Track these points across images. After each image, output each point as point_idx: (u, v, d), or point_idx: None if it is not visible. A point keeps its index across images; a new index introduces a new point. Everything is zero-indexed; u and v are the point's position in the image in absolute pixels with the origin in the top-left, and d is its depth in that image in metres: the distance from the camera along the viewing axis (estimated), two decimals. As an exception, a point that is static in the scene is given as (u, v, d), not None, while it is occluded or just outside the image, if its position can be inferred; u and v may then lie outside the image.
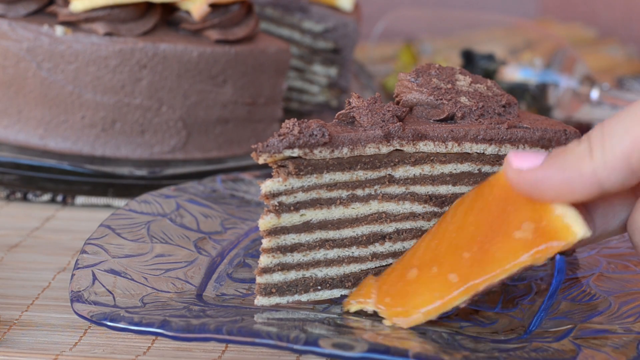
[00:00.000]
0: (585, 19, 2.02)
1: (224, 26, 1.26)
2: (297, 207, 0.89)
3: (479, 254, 0.85)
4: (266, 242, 0.89)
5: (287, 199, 0.88)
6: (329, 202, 0.90)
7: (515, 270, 0.84)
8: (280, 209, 0.88)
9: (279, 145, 0.86)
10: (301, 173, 0.88)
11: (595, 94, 1.49)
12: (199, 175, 1.23)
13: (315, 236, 0.90)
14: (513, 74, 1.54)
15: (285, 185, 0.88)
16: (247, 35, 1.27)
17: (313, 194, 0.89)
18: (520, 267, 0.84)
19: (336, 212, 0.90)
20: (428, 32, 1.70)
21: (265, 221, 0.88)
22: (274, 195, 0.88)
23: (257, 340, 0.79)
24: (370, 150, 0.89)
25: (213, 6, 1.25)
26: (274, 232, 0.89)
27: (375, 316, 0.88)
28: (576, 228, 0.80)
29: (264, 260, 0.89)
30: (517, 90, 1.51)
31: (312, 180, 0.88)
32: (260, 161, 0.87)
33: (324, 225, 0.90)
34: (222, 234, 1.05)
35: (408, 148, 0.91)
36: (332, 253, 0.91)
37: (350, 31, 1.42)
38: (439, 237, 0.90)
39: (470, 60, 1.56)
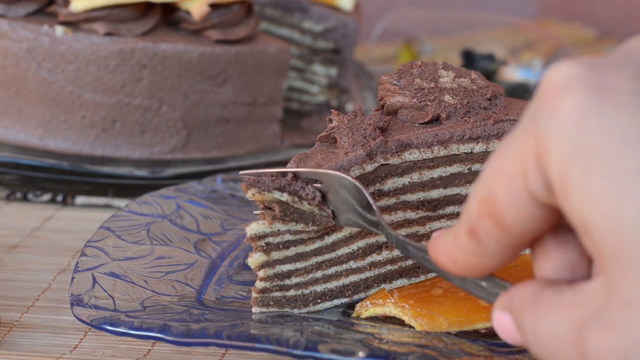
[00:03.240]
0: (585, 19, 2.02)
1: (224, 26, 1.26)
2: (286, 245, 0.87)
3: None
4: (262, 273, 0.88)
5: (274, 240, 0.87)
6: (321, 234, 0.89)
7: None
8: (269, 248, 0.87)
9: (270, 184, 0.84)
10: (287, 219, 0.86)
11: (595, 94, 1.48)
12: (199, 175, 1.22)
13: (311, 262, 0.89)
14: (513, 74, 1.54)
15: (272, 228, 0.86)
16: (247, 35, 1.27)
17: (302, 235, 0.88)
18: None
19: (329, 239, 0.89)
20: (428, 32, 1.70)
21: (255, 259, 0.87)
22: (259, 237, 0.87)
23: (257, 345, 0.79)
24: (355, 172, 0.87)
25: (213, 6, 1.25)
26: (267, 265, 0.88)
27: (378, 321, 0.88)
28: None
29: (261, 285, 0.88)
30: (517, 90, 1.51)
31: (298, 226, 0.87)
32: (248, 195, 0.84)
33: (318, 251, 0.89)
34: (222, 235, 1.04)
35: (393, 160, 0.89)
36: (330, 270, 0.90)
37: (350, 31, 1.42)
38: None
39: (470, 60, 1.56)
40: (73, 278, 0.90)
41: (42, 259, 1.07)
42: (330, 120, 0.90)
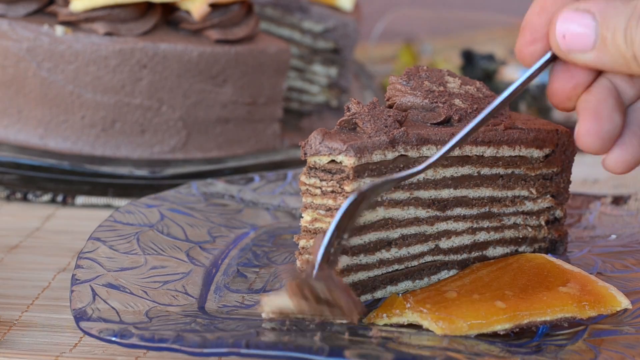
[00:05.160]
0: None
1: (224, 26, 1.26)
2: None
3: (524, 295, 0.87)
4: None
5: None
6: None
7: (561, 316, 0.86)
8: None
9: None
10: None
11: (595, 94, 1.48)
12: (199, 175, 1.23)
13: None
14: (513, 74, 1.54)
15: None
16: (247, 35, 1.27)
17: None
18: (565, 314, 0.86)
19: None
20: (428, 32, 1.70)
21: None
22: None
23: (279, 353, 0.78)
24: (377, 157, 0.89)
25: (213, 6, 1.25)
26: None
27: (390, 326, 0.87)
28: (620, 299, 0.88)
29: None
30: (517, 90, 1.51)
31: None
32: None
33: None
34: (211, 243, 1.03)
35: (412, 153, 0.91)
36: (341, 262, 0.90)
37: (350, 31, 1.42)
38: (471, 277, 0.91)
39: (470, 60, 1.56)
40: (72, 291, 0.88)
41: (42, 259, 1.07)
42: (349, 108, 0.91)
